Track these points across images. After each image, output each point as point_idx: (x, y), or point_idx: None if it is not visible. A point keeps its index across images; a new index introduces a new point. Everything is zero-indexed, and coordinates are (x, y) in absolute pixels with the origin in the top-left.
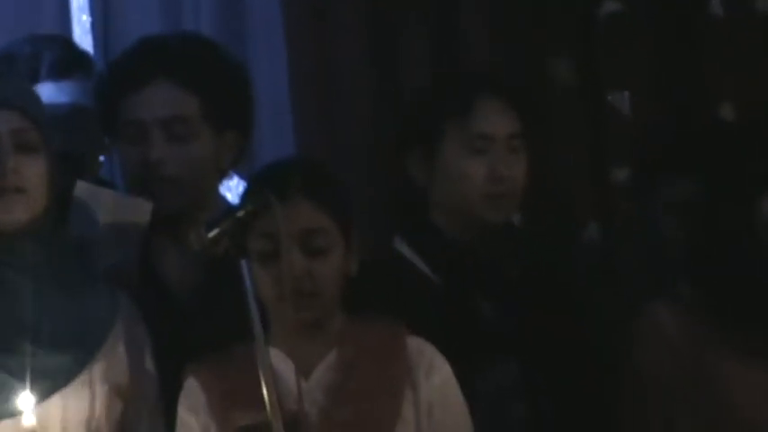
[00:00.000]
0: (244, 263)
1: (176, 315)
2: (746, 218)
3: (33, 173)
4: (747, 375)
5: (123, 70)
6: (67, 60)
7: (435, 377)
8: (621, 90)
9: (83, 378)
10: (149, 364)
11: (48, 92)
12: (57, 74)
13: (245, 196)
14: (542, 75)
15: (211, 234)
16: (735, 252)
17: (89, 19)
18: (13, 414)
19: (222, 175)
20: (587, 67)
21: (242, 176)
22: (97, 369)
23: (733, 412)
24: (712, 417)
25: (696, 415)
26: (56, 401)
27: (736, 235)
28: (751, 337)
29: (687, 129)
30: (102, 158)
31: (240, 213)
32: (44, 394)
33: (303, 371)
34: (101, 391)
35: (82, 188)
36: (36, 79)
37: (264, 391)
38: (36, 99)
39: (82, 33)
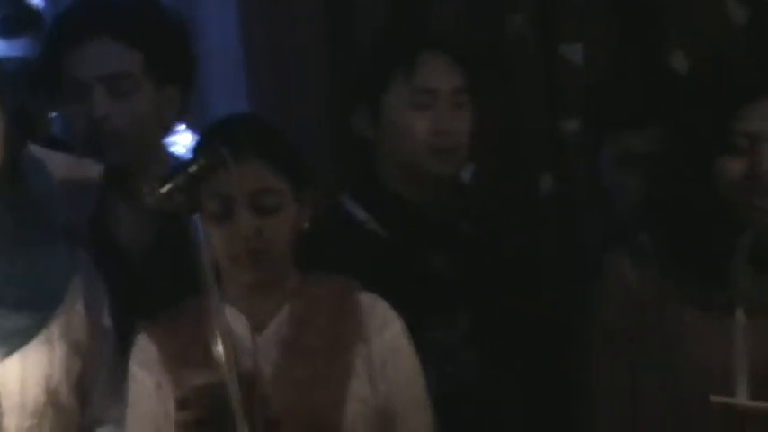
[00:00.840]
0: (196, 218)
1: (130, 272)
2: (703, 173)
3: None
4: (705, 327)
5: (65, 28)
6: (18, 17)
7: (387, 332)
8: (574, 42)
9: (42, 335)
10: (107, 321)
11: None
12: (8, 31)
13: (198, 151)
14: (497, 29)
15: (165, 189)
16: (692, 207)
17: None
18: None
19: (166, 130)
20: (540, 20)
21: (195, 131)
22: (56, 326)
23: (692, 363)
24: (672, 367)
25: (657, 365)
26: (15, 359)
27: (693, 190)
28: (707, 289)
29: (640, 80)
30: (53, 115)
31: (193, 168)
32: (5, 352)
33: (256, 327)
34: (60, 348)
35: (32, 150)
36: None
37: (218, 345)
38: None
39: None
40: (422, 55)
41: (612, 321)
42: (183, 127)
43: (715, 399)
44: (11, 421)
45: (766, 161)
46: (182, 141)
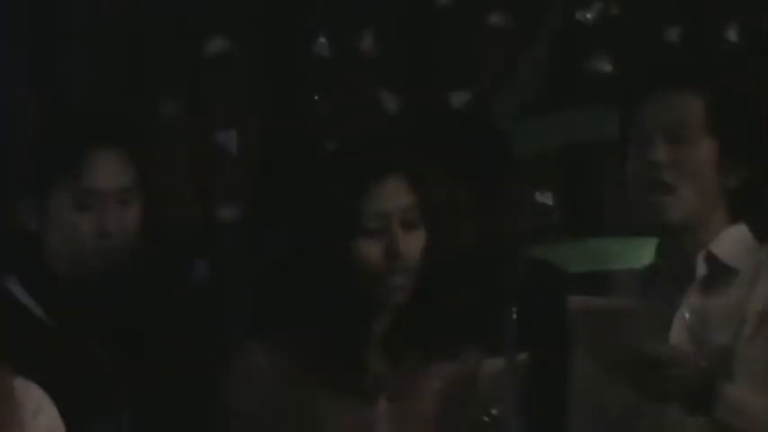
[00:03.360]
0: None
1: None
2: (338, 258)
3: None
4: (342, 412)
5: None
6: None
7: (42, 417)
8: (228, 128)
9: None
10: None
11: None
12: None
13: None
14: (150, 114)
15: None
16: (329, 291)
17: None
18: None
19: None
20: (194, 106)
21: None
22: None
23: None
24: None
25: None
26: None
27: (328, 274)
28: (344, 375)
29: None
30: None
31: None
32: None
33: None
34: None
35: None
36: None
37: None
38: None
39: None
40: (87, 154)
41: (242, 405)
42: None
43: None
44: None
45: (402, 240)
46: None
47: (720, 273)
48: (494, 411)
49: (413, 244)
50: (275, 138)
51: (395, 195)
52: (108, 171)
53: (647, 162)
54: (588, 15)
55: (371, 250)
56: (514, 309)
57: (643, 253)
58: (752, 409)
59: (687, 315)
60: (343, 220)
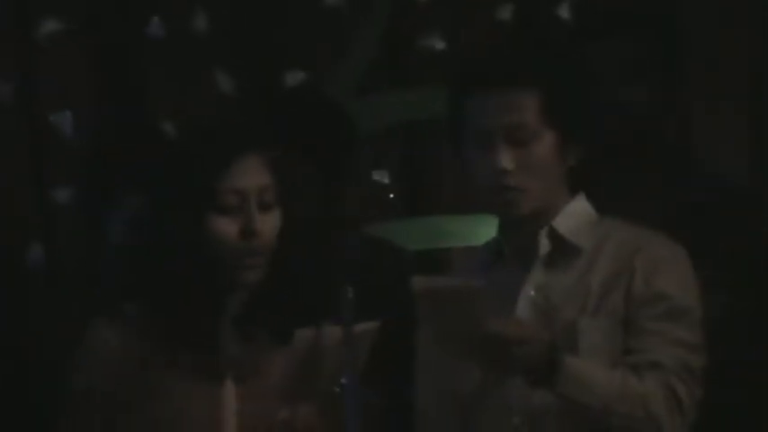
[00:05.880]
0: None
1: None
2: (190, 234)
3: None
4: (190, 391)
5: None
6: None
7: None
8: (63, 110)
9: None
10: None
11: None
12: None
13: None
14: None
15: None
16: (174, 268)
17: None
18: None
19: None
20: (27, 87)
21: None
22: None
23: (178, 425)
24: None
25: (139, 427)
26: None
27: (176, 249)
28: (193, 354)
29: (132, 145)
30: None
31: None
32: None
33: None
34: None
35: None
36: None
37: None
38: None
39: None
40: None
41: (87, 384)
42: None
43: None
44: None
45: (258, 220)
46: None
47: (563, 249)
48: (343, 381)
49: (269, 224)
50: (114, 119)
51: (252, 174)
52: None
53: (492, 167)
54: None
55: (228, 228)
56: (350, 288)
57: (480, 230)
58: (593, 383)
59: (532, 292)
60: (198, 196)
